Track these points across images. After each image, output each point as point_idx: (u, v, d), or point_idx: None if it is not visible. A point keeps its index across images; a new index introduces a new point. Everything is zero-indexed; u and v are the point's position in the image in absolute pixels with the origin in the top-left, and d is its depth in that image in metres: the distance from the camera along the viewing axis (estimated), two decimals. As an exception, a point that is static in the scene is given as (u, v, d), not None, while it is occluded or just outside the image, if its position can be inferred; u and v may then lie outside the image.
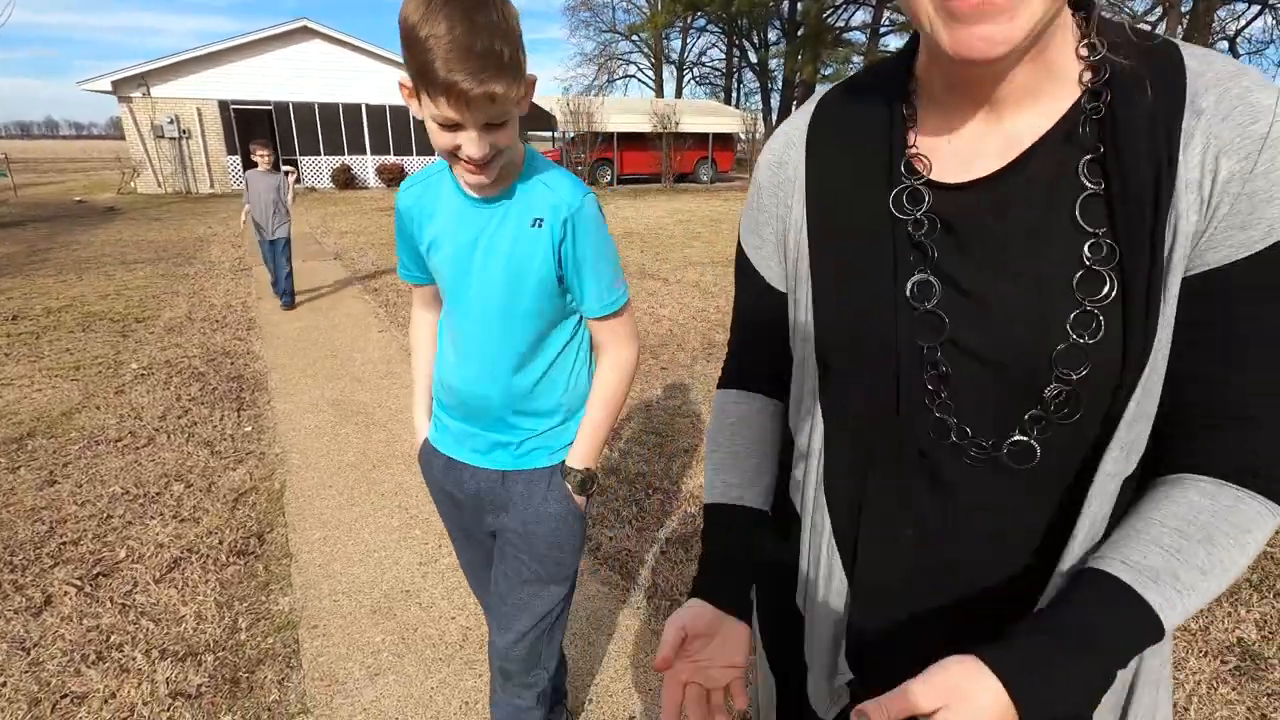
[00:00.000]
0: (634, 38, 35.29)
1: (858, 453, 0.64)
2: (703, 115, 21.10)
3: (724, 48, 35.92)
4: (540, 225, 1.11)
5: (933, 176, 0.59)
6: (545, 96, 20.98)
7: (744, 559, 0.73)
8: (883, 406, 0.60)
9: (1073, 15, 0.55)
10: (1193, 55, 0.54)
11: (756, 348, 0.78)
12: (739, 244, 0.75)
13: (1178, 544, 0.52)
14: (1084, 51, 0.55)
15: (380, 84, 18.60)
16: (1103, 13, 0.55)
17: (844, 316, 0.62)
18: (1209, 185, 0.50)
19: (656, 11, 27.34)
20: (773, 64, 29.35)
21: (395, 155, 19.47)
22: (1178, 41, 0.55)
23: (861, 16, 26.42)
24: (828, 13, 25.36)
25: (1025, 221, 0.54)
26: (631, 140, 19.63)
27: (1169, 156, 0.50)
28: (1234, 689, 1.92)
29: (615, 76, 39.10)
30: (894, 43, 25.71)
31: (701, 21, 33.29)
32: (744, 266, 0.75)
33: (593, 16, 38.81)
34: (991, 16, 0.46)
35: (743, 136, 20.92)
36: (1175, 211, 0.50)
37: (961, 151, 0.58)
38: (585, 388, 1.28)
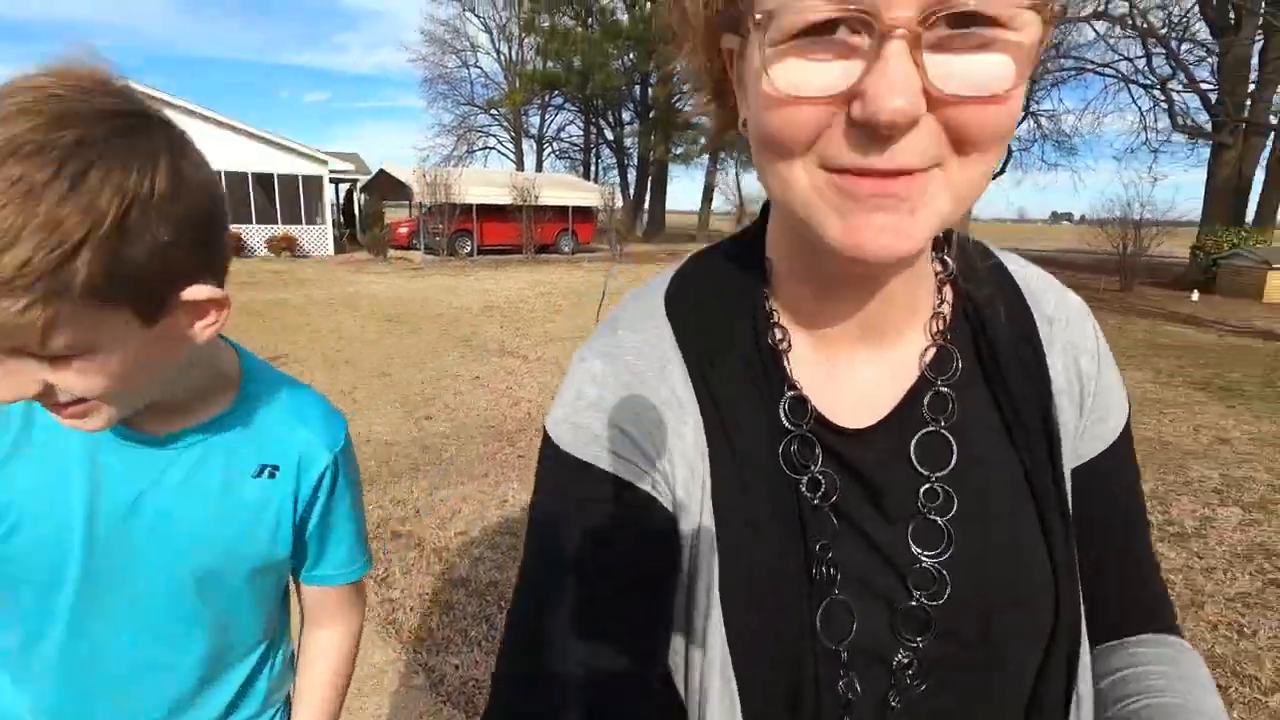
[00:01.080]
0: (493, 112, 35.88)
1: None
2: (562, 189, 21.64)
3: (582, 125, 37.47)
4: (274, 475, 0.75)
5: (825, 416, 0.49)
6: (402, 167, 20.62)
7: None
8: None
9: None
10: (1010, 259, 0.55)
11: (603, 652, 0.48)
12: (559, 447, 0.50)
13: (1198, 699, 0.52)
14: (938, 267, 0.53)
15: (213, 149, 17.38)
16: None
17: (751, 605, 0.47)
18: (1077, 388, 0.51)
19: (514, 89, 28.09)
20: (628, 142, 30.97)
21: (233, 224, 18.09)
22: (990, 246, 0.55)
23: (707, 103, 28.64)
24: (676, 98, 27.29)
25: (960, 464, 0.49)
26: (492, 211, 19.65)
27: (1042, 372, 0.50)
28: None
29: (475, 148, 39.38)
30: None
31: (560, 99, 34.61)
32: (586, 475, 0.49)
33: (450, 90, 39.14)
34: (891, 207, 0.37)
35: (601, 209, 21.61)
36: (1058, 424, 0.50)
37: (848, 383, 0.50)
38: (285, 673, 0.89)
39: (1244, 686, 2.31)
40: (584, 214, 21.72)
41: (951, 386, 0.49)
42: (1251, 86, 15.32)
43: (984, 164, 0.38)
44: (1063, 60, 18.93)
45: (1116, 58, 17.67)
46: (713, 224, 29.14)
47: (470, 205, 18.88)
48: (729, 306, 0.52)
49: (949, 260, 0.53)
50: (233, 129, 17.72)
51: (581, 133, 38.12)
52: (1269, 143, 15.41)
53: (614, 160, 34.55)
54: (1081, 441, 0.52)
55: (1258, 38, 14.99)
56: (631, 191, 30.94)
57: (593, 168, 38.03)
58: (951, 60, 0.35)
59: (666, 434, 0.48)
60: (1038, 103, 21.44)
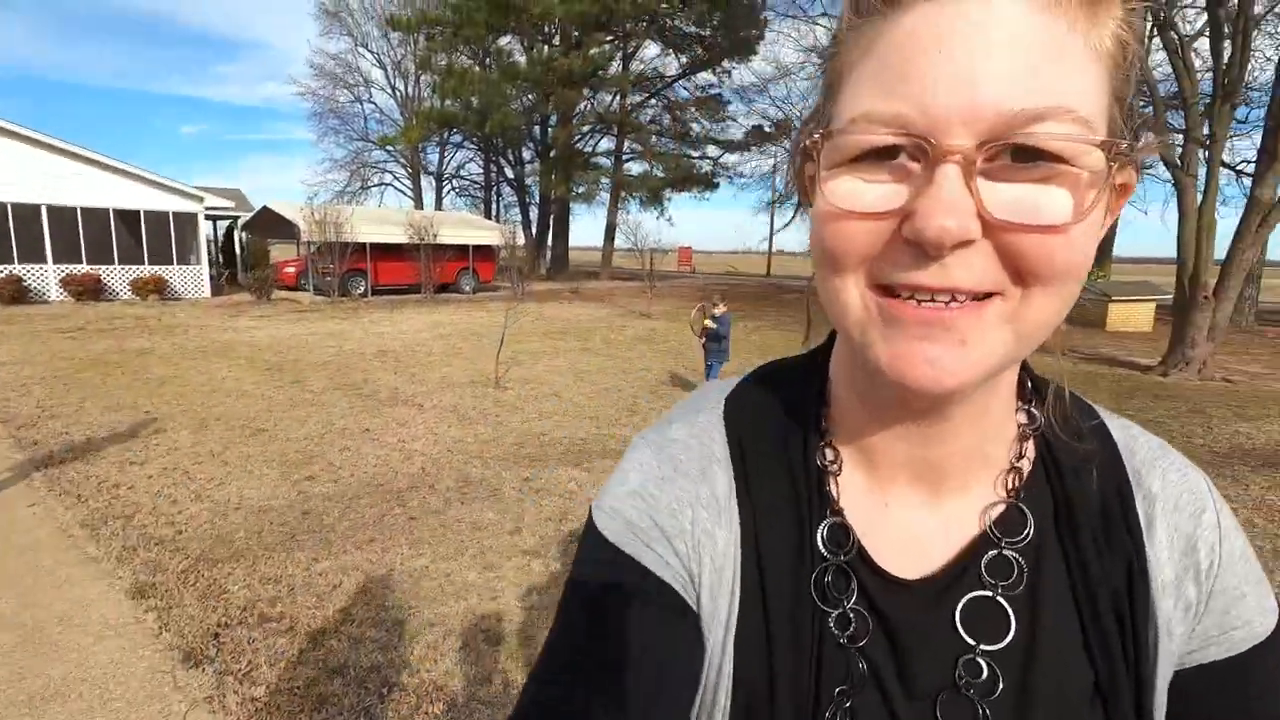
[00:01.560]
0: (388, 148, 34.99)
1: None
2: (462, 227, 21.26)
3: (482, 163, 37.18)
4: None
5: (869, 554, 0.45)
6: (287, 203, 19.58)
7: None
8: None
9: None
10: (1118, 426, 0.49)
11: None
12: (596, 527, 0.48)
13: None
14: (1022, 418, 0.48)
15: (68, 183, 15.85)
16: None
17: None
18: (1190, 587, 0.44)
19: (410, 126, 27.57)
20: (529, 180, 31.02)
21: (91, 264, 16.47)
22: (1096, 407, 0.49)
23: (606, 144, 29.27)
24: (576, 139, 27.66)
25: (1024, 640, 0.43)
26: (388, 251, 18.98)
27: (1136, 558, 0.44)
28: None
29: (370, 184, 38.16)
30: (634, 168, 28.76)
31: (458, 137, 34.24)
32: (627, 568, 0.47)
33: (343, 125, 37.88)
34: (938, 337, 0.36)
35: (503, 247, 21.37)
36: (1154, 621, 0.44)
37: (898, 523, 0.47)
38: None
39: None
40: (485, 252, 21.39)
41: (1019, 552, 0.45)
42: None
43: (1051, 300, 0.36)
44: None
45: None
46: (615, 261, 29.50)
47: (364, 244, 18.17)
48: (785, 417, 0.50)
49: (1036, 413, 0.48)
50: (90, 162, 16.24)
51: (482, 171, 37.85)
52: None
53: (515, 198, 34.44)
54: (1193, 644, 0.45)
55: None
56: (534, 229, 30.85)
57: (494, 205, 37.74)
58: (1009, 188, 0.34)
59: (700, 535, 0.47)
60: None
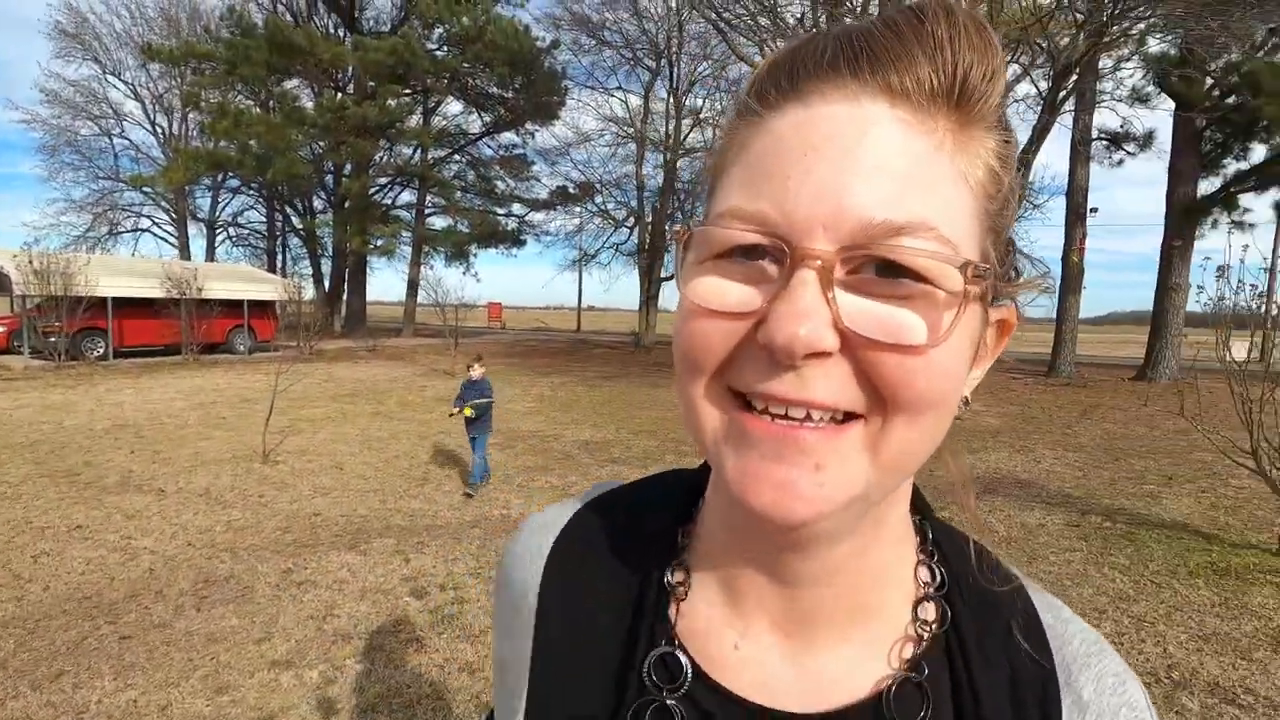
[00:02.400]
0: (145, 190, 30.61)
1: None
2: (234, 280, 19.02)
3: (265, 211, 33.91)
4: None
5: (712, 679, 0.41)
6: (-3, 249, 16.16)
7: None
8: None
9: (913, 521, 0.44)
10: (1046, 606, 0.43)
11: None
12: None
13: None
14: (925, 575, 0.43)
15: None
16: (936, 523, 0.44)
17: None
18: None
19: (173, 165, 24.32)
20: (320, 232, 28.76)
21: None
22: (1021, 576, 0.43)
23: (407, 197, 28.22)
24: (373, 190, 26.33)
25: None
26: (137, 306, 16.30)
27: None
28: None
29: (120, 230, 33.02)
30: (437, 222, 28.00)
31: (236, 181, 30.99)
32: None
33: (83, 160, 32.58)
34: (789, 458, 0.33)
35: (286, 303, 19.39)
36: None
37: (747, 671, 0.41)
38: None
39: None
40: (264, 308, 19.24)
41: None
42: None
43: (913, 430, 0.34)
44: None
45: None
46: (420, 317, 28.13)
47: (105, 298, 15.44)
48: (645, 525, 0.46)
49: (940, 572, 0.43)
50: None
51: (265, 219, 34.48)
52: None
53: (305, 250, 31.65)
54: None
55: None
56: (327, 284, 28.52)
57: (280, 257, 34.42)
58: (870, 303, 0.33)
59: (513, 625, 0.46)
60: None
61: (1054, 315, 18.25)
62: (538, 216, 28.54)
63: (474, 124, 27.66)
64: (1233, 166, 16.40)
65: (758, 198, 0.34)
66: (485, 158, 28.17)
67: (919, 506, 0.45)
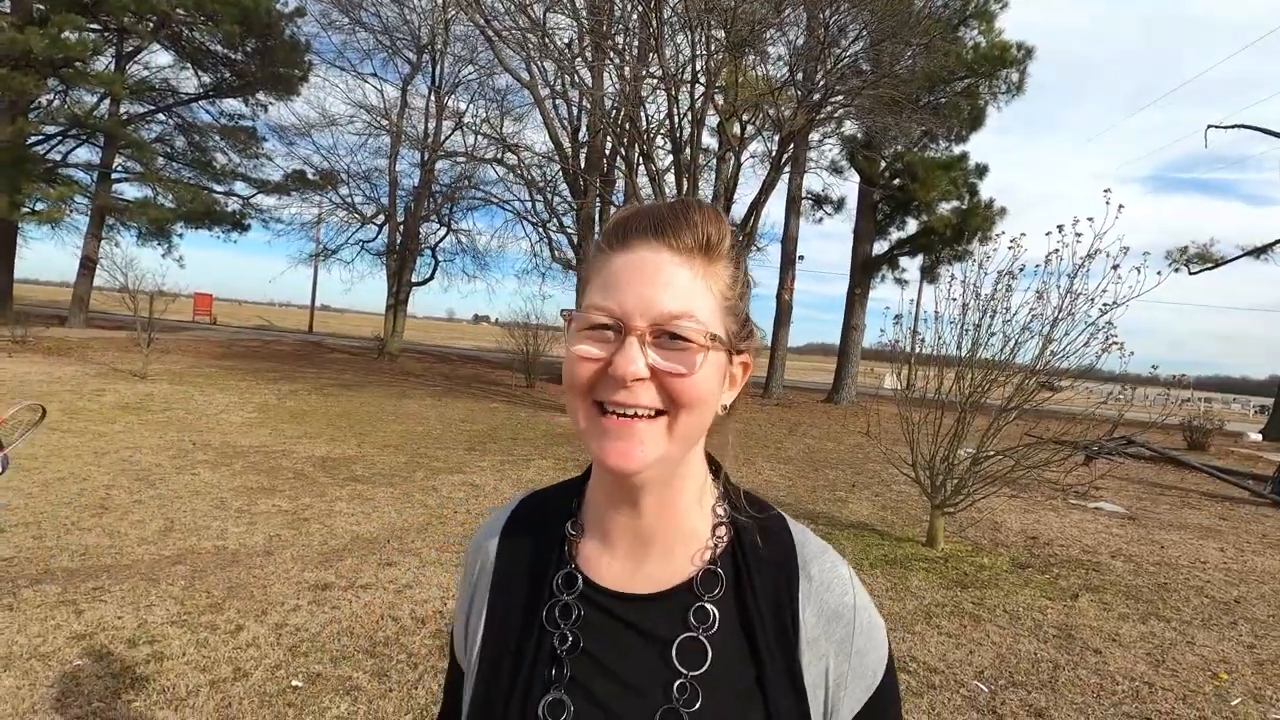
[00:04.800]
0: None
1: None
2: None
3: None
4: None
5: (595, 582, 0.68)
6: None
7: None
8: None
9: (712, 479, 0.72)
10: (794, 529, 0.71)
11: None
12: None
13: None
14: (719, 510, 0.70)
15: None
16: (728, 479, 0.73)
17: None
18: (823, 643, 0.65)
19: None
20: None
21: None
22: (780, 512, 0.72)
23: (86, 154, 22.82)
24: (34, 140, 20.83)
25: (652, 646, 0.65)
26: None
27: (793, 614, 0.65)
28: None
29: None
30: (130, 191, 23.07)
31: None
32: (452, 637, 0.79)
33: None
34: (625, 437, 0.60)
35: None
36: (800, 664, 0.64)
37: (617, 576, 0.68)
38: None
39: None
40: None
41: (715, 603, 0.65)
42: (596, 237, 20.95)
43: (691, 418, 0.62)
44: (474, 190, 22.42)
45: (512, 197, 21.80)
46: (98, 305, 22.59)
47: None
48: (556, 504, 0.75)
49: (725, 507, 0.71)
50: None
51: None
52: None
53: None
54: (838, 695, 0.65)
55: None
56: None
57: None
58: (664, 353, 0.60)
59: (474, 585, 0.75)
60: (457, 222, 24.65)
61: (769, 345, 21.11)
62: (268, 201, 24.94)
63: (189, 82, 23.44)
64: (895, 234, 20.75)
65: (607, 299, 0.61)
66: (202, 123, 24.02)
67: (714, 469, 0.73)
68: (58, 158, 22.19)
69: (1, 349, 14.16)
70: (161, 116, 23.75)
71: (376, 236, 24.54)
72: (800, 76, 12.56)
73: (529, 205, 21.44)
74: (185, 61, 22.72)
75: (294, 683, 3.01)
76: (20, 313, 18.12)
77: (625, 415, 0.59)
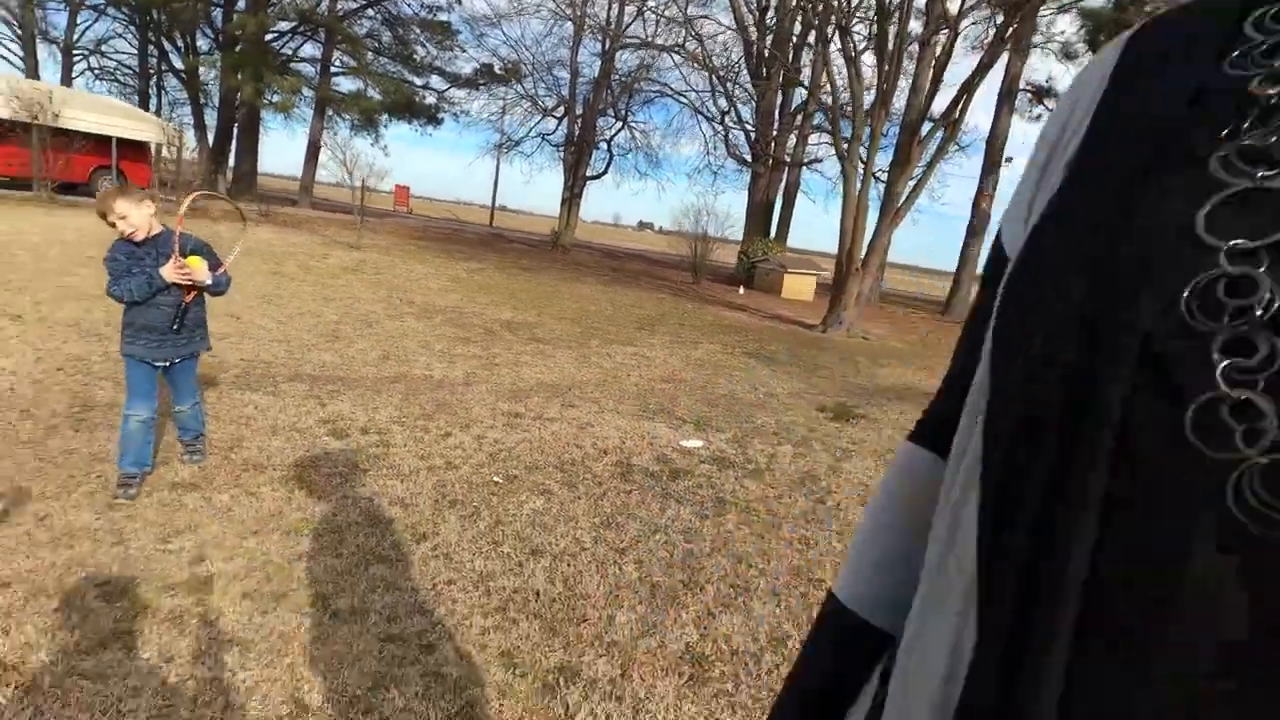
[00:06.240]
0: (-20, -7, 25.53)
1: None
2: (102, 113, 16.55)
3: (136, 42, 29.32)
4: None
5: None
6: None
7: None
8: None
9: None
10: None
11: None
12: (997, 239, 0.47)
13: None
14: None
15: None
16: None
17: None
18: None
19: (18, -33, 20.28)
20: (206, 77, 25.35)
21: None
22: None
23: (311, 50, 25.23)
24: (271, 36, 23.29)
25: None
26: (-28, 126, 13.88)
27: None
28: (693, 701, 1.98)
29: (-54, 38, 27.68)
30: (345, 84, 25.32)
31: (99, 1, 26.48)
32: (995, 258, 0.46)
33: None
34: None
35: (166, 151, 17.15)
36: None
37: None
38: None
39: (817, 590, 2.65)
40: (137, 150, 16.96)
41: None
42: (775, 130, 19.87)
43: None
44: (651, 82, 21.94)
45: (688, 88, 21.09)
46: (319, 192, 25.64)
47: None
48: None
49: None
50: None
51: (136, 53, 29.88)
52: (785, 175, 20.21)
53: (186, 95, 27.84)
54: None
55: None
56: (211, 136, 25.39)
57: (156, 100, 30.16)
58: None
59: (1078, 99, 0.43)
60: (633, 116, 24.41)
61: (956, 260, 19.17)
62: (459, 94, 26.38)
63: (395, -25, 24.75)
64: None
65: None
66: (405, 17, 25.46)
67: None
68: (288, 53, 24.73)
69: (251, 220, 16.56)
70: (370, 11, 25.45)
71: (556, 129, 25.09)
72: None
73: (706, 97, 20.66)
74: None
75: (495, 479, 3.31)
76: (263, 194, 21.01)
77: None
